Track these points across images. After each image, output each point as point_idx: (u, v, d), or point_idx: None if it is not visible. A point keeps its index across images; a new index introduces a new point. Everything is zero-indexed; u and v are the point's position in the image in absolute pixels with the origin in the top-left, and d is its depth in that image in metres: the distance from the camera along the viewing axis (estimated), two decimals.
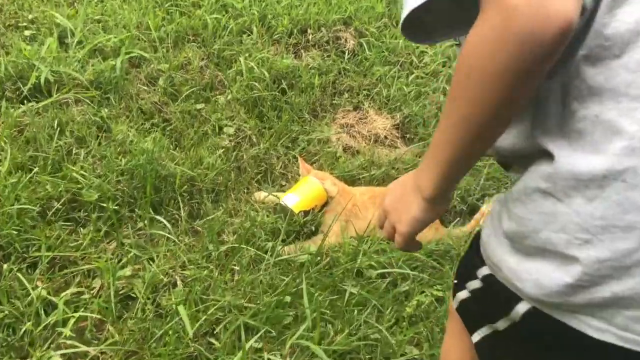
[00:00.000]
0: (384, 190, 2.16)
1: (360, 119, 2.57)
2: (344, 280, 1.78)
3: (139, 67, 2.39)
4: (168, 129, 2.18)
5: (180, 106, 2.27)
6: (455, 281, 0.96)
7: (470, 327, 0.91)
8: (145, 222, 1.81)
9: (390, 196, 0.87)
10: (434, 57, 2.95)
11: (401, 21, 0.69)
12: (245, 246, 1.79)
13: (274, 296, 1.64)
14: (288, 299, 1.64)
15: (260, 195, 2.08)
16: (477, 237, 0.88)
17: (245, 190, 2.10)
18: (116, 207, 1.81)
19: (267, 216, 1.97)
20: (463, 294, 0.91)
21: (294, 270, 1.81)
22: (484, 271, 0.82)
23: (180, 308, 1.46)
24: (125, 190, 1.87)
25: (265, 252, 1.81)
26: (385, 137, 2.51)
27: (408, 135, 2.57)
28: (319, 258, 1.83)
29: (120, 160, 1.94)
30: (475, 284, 0.86)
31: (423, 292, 1.83)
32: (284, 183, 2.22)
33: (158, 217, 1.84)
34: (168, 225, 1.81)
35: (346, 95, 2.64)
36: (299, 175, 2.19)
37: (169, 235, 1.77)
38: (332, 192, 2.04)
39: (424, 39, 0.77)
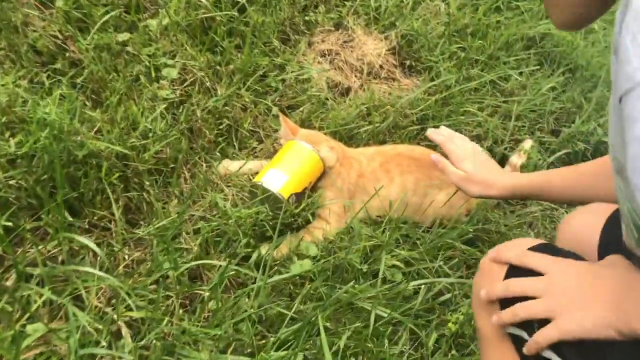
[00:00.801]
0: (394, 150, 1.58)
1: (345, 42, 1.93)
2: (362, 293, 1.27)
3: None
4: (79, 78, 1.47)
5: (93, 40, 1.54)
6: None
7: None
8: (61, 237, 1.18)
9: (564, 279, 0.72)
10: None
11: None
12: (219, 262, 1.22)
13: (272, 346, 1.11)
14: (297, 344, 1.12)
15: (228, 166, 1.47)
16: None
17: (204, 163, 1.48)
18: (9, 222, 1.16)
19: (243, 202, 1.39)
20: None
21: (289, 284, 1.27)
22: None
23: None
24: (22, 187, 1.21)
25: (249, 266, 1.25)
26: (381, 67, 1.90)
27: (408, 62, 1.96)
28: (323, 261, 1.30)
29: (9, 139, 1.26)
30: None
31: (466, 296, 1.35)
32: (255, 144, 1.61)
33: (80, 237, 1.21)
34: (93, 246, 1.18)
35: (322, 7, 1.96)
36: (276, 133, 1.58)
37: (93, 271, 1.14)
38: (330, 160, 1.46)
39: None
